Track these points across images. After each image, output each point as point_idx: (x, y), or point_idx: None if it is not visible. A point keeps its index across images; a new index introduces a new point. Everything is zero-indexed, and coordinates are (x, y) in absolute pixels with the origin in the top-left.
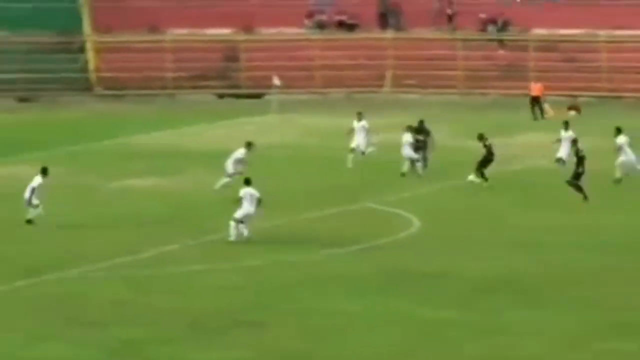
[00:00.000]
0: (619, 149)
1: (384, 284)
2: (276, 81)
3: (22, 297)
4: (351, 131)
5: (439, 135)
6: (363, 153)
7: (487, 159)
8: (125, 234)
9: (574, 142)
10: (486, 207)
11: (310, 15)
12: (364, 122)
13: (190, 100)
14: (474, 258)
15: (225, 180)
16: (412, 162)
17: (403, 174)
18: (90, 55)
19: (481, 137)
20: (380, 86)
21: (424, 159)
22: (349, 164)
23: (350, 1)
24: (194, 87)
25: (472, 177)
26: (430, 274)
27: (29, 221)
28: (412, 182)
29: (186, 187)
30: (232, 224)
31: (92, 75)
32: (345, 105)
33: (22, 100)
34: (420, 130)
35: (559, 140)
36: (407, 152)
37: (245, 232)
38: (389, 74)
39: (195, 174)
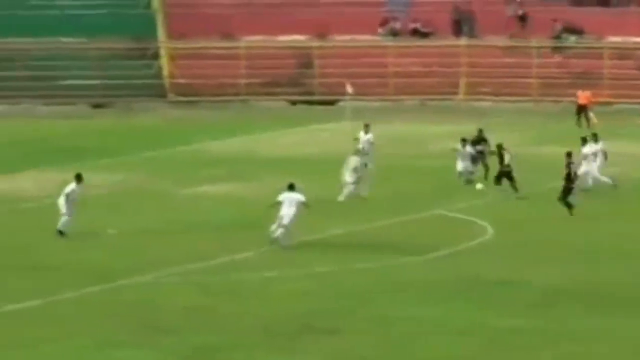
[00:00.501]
0: (583, 159)
1: (457, 291)
2: (349, 88)
3: (95, 302)
4: (355, 140)
5: (511, 142)
6: (365, 165)
7: (503, 171)
8: (199, 240)
9: (569, 155)
10: (558, 215)
11: (384, 22)
12: (370, 136)
13: (263, 107)
14: (545, 266)
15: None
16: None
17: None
18: (164, 61)
19: (500, 147)
20: (454, 93)
21: (485, 168)
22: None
23: (424, 9)
24: (267, 94)
25: (480, 185)
26: (502, 281)
27: (60, 232)
28: (484, 190)
29: (260, 193)
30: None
31: (166, 82)
32: (419, 113)
33: (97, 106)
34: (479, 139)
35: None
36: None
37: (278, 232)
38: (462, 81)
39: (268, 181)
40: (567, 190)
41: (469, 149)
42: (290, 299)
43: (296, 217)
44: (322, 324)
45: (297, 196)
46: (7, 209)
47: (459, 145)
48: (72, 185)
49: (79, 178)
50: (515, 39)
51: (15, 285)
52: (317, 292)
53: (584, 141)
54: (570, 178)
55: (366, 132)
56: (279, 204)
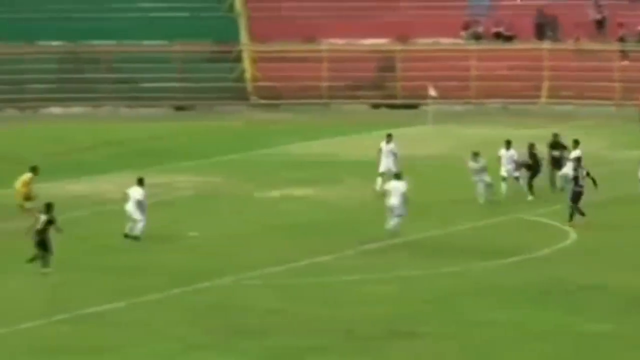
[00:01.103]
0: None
1: (540, 296)
2: (432, 92)
3: (178, 305)
4: (379, 152)
5: (592, 146)
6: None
7: (534, 170)
8: (280, 243)
9: (578, 160)
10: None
11: (466, 26)
12: (392, 146)
13: (345, 110)
14: (629, 271)
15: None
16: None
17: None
18: (246, 64)
19: (532, 147)
20: (537, 97)
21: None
22: (377, 187)
23: (507, 12)
24: (350, 97)
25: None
26: (586, 286)
27: (133, 237)
28: (563, 195)
29: (342, 196)
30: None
31: (249, 85)
32: (501, 116)
33: (179, 109)
34: (555, 145)
35: None
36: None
37: (394, 225)
38: (545, 84)
39: (351, 184)
40: (577, 195)
41: (512, 152)
42: (372, 302)
43: (405, 207)
44: (404, 328)
45: (400, 187)
46: (90, 211)
47: (502, 150)
48: (140, 190)
49: (141, 182)
50: (598, 42)
51: (99, 287)
52: (399, 295)
53: None
54: (578, 182)
55: (388, 142)
56: (387, 192)
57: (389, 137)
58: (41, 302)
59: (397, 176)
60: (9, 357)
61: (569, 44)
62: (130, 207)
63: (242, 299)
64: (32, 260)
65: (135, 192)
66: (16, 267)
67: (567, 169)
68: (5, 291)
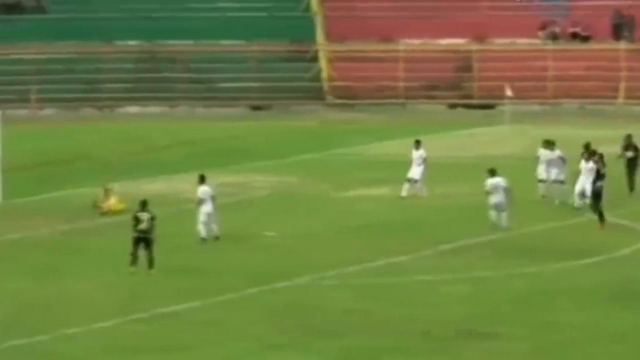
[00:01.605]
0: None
1: (616, 297)
2: (508, 92)
3: (254, 304)
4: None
5: None
6: (416, 181)
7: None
8: (355, 243)
9: (599, 159)
10: None
11: (543, 26)
12: (421, 152)
13: (421, 110)
14: None
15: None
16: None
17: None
18: (322, 64)
19: (590, 151)
20: (614, 97)
21: (630, 178)
22: (404, 193)
23: (584, 12)
24: (426, 97)
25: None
26: None
27: (214, 237)
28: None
29: (418, 196)
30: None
31: (325, 84)
32: (578, 117)
33: (256, 108)
34: (627, 146)
35: None
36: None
37: (502, 221)
38: (622, 85)
39: (427, 184)
40: (596, 194)
41: (558, 152)
42: (447, 303)
43: (508, 203)
44: (479, 329)
45: (501, 182)
46: (167, 211)
47: (540, 150)
48: (208, 188)
49: (204, 179)
50: None
51: (175, 286)
52: (475, 296)
53: None
54: (600, 178)
55: (417, 148)
56: (488, 193)
57: (418, 143)
58: (116, 301)
59: (492, 172)
60: (84, 356)
61: None
62: (209, 208)
63: (319, 298)
64: (134, 262)
65: (208, 190)
66: (91, 266)
67: (581, 185)
68: (81, 290)
